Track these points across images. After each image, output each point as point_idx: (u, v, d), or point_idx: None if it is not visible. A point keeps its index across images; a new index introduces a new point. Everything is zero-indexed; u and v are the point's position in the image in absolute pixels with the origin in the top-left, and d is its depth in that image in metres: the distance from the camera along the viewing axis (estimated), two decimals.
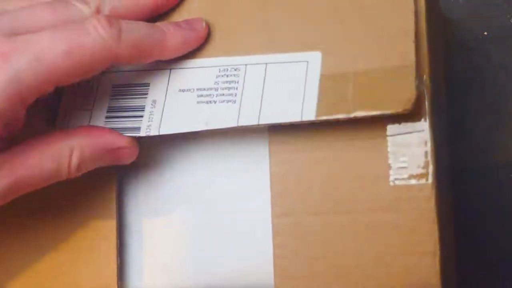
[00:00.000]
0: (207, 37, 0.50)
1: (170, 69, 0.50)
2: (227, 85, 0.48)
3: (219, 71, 0.49)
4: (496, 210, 0.59)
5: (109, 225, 0.51)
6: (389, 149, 0.45)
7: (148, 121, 0.49)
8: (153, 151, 0.53)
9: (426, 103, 0.45)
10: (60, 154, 0.46)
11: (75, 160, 0.46)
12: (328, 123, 0.46)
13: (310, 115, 0.45)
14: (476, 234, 0.59)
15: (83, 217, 0.52)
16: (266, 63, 0.48)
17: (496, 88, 0.59)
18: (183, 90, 0.49)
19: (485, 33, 0.60)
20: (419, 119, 0.45)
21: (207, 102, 0.48)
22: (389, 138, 0.45)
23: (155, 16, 0.51)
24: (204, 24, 0.49)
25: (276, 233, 0.47)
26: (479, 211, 0.59)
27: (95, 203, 0.52)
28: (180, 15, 0.51)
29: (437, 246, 0.44)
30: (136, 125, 0.49)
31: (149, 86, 0.50)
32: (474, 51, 0.60)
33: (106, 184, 0.51)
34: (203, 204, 0.52)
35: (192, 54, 0.50)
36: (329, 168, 0.46)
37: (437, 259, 0.44)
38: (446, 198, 0.50)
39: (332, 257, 0.46)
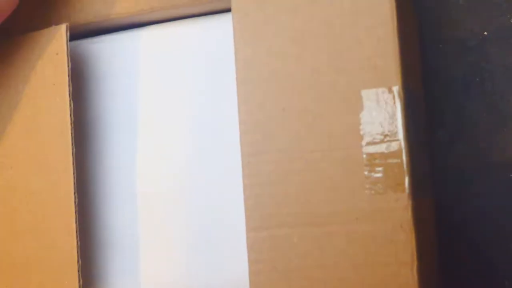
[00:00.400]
0: None
1: None
2: None
3: None
4: (496, 210, 0.59)
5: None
6: (364, 160, 0.45)
7: None
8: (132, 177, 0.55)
9: (400, 114, 0.45)
10: None
11: None
12: (302, 134, 0.47)
13: None
14: (476, 233, 0.59)
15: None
16: None
17: (496, 88, 0.59)
18: None
19: (485, 33, 0.60)
20: (394, 130, 0.45)
21: None
22: (364, 149, 0.45)
23: None
24: None
25: (251, 248, 0.47)
26: (479, 211, 0.59)
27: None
28: None
29: (415, 256, 0.44)
30: None
31: None
32: (474, 51, 0.60)
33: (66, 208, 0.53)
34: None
35: None
36: (304, 180, 0.47)
37: (414, 269, 0.44)
38: (426, 205, 0.50)
39: (309, 270, 0.46)
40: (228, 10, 0.52)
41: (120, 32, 0.57)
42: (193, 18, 0.55)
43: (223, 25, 0.53)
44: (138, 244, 0.55)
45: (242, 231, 0.49)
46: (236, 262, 0.51)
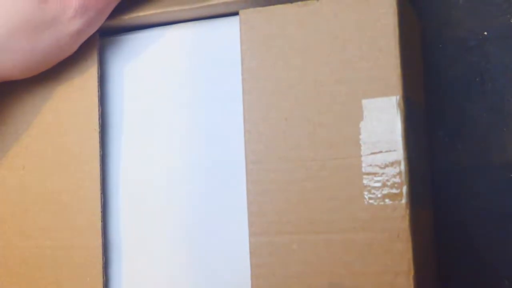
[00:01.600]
0: None
1: None
2: None
3: None
4: (496, 209, 0.59)
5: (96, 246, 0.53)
6: (363, 169, 0.46)
7: None
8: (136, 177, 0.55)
9: (400, 124, 0.45)
10: None
11: None
12: (303, 143, 0.47)
13: None
14: (475, 233, 0.59)
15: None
16: None
17: (496, 88, 0.59)
18: None
19: (485, 33, 0.60)
20: (393, 139, 0.46)
21: None
22: (363, 158, 0.46)
23: None
24: None
25: (253, 252, 0.48)
26: (479, 210, 0.59)
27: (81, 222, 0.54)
28: None
29: (411, 265, 0.45)
30: None
31: None
32: (474, 51, 0.60)
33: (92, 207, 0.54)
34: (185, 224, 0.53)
35: None
36: (305, 188, 0.47)
37: (411, 278, 0.45)
38: (424, 214, 0.51)
39: (307, 277, 0.47)
40: (233, 13, 0.53)
41: (123, 34, 0.57)
42: (198, 21, 0.55)
43: (228, 28, 0.53)
44: (136, 247, 0.55)
45: (243, 236, 0.49)
46: (237, 265, 0.51)
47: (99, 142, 0.53)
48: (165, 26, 0.56)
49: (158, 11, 0.54)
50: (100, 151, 0.53)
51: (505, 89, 0.59)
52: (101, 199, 0.53)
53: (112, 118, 0.56)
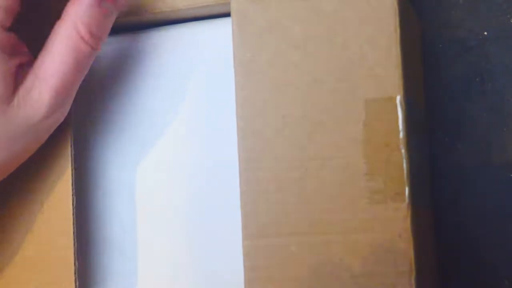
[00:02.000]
0: None
1: None
2: None
3: None
4: (496, 210, 0.59)
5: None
6: (364, 169, 0.46)
7: None
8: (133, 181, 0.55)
9: (401, 124, 0.45)
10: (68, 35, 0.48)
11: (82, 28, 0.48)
12: (302, 141, 0.47)
13: None
14: (475, 233, 0.59)
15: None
16: None
17: (496, 88, 0.59)
18: None
19: (485, 33, 0.60)
20: (394, 139, 0.45)
21: None
22: (364, 158, 0.46)
23: None
24: None
25: (247, 255, 0.47)
26: (479, 210, 0.59)
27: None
28: None
29: (413, 266, 0.44)
30: None
31: None
32: (474, 51, 0.60)
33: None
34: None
35: None
36: (303, 188, 0.47)
37: (413, 278, 0.44)
38: (424, 214, 0.51)
39: (306, 280, 0.46)
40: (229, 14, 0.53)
41: (119, 34, 0.57)
42: (195, 22, 0.55)
43: (225, 28, 0.53)
44: (136, 246, 0.55)
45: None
46: (237, 265, 0.51)
47: (71, 140, 0.52)
48: (162, 27, 0.56)
49: (157, 10, 0.53)
50: (71, 150, 0.52)
51: (505, 89, 0.59)
52: (73, 200, 0.52)
53: (110, 118, 0.56)
